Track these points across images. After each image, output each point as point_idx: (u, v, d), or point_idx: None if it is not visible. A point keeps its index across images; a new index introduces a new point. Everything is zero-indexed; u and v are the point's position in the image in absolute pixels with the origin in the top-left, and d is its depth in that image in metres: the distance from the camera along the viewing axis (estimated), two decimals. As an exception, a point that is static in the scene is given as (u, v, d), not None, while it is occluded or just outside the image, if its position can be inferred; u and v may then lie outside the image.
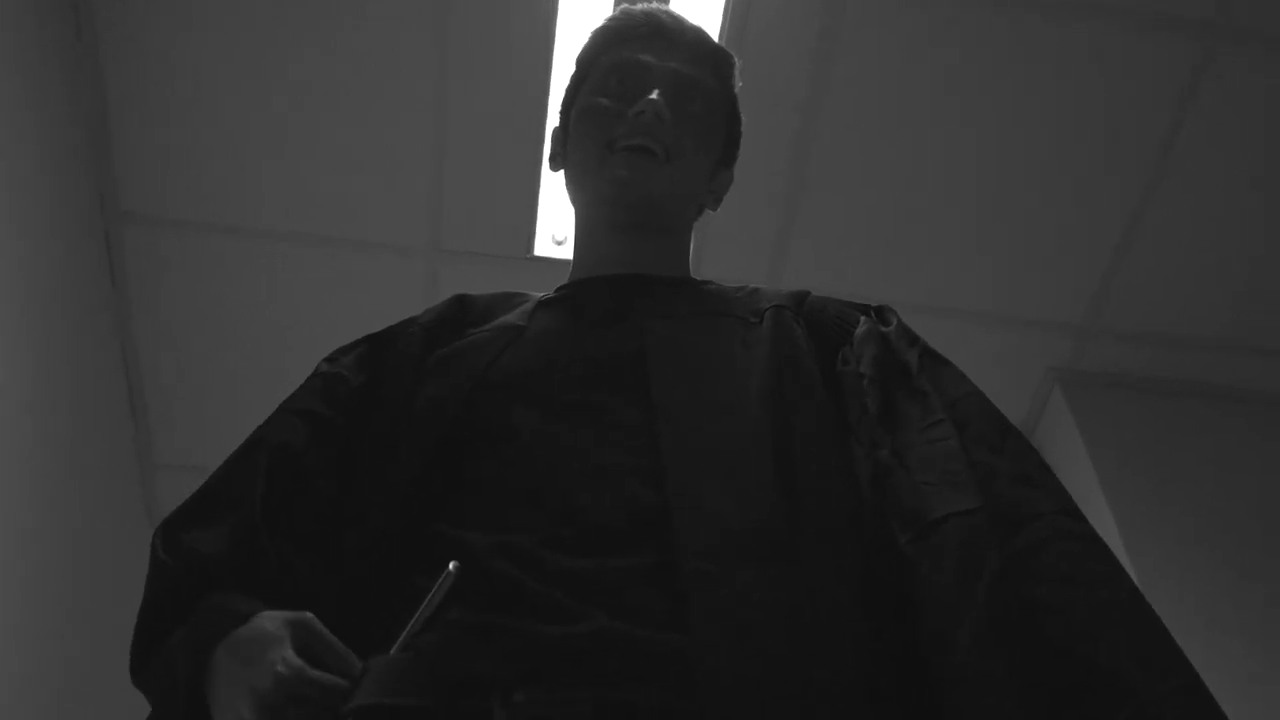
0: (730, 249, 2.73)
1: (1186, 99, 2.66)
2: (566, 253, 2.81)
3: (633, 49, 1.30)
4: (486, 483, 1.03)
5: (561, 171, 1.37)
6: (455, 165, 2.72)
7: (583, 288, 1.27)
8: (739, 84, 1.37)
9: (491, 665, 0.88)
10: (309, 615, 0.97)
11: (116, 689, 3.30)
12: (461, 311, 1.27)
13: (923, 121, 2.71)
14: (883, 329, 1.15)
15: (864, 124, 2.71)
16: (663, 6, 1.35)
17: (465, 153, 2.70)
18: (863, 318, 1.18)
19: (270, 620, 0.96)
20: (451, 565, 0.94)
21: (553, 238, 2.84)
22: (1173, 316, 3.01)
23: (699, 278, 1.33)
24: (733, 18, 2.51)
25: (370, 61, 2.58)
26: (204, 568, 1.03)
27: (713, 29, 2.51)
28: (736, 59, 1.37)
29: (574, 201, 1.34)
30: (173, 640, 1.00)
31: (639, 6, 1.35)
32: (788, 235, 2.84)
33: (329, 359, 1.23)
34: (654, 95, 1.23)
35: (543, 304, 1.25)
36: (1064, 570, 0.89)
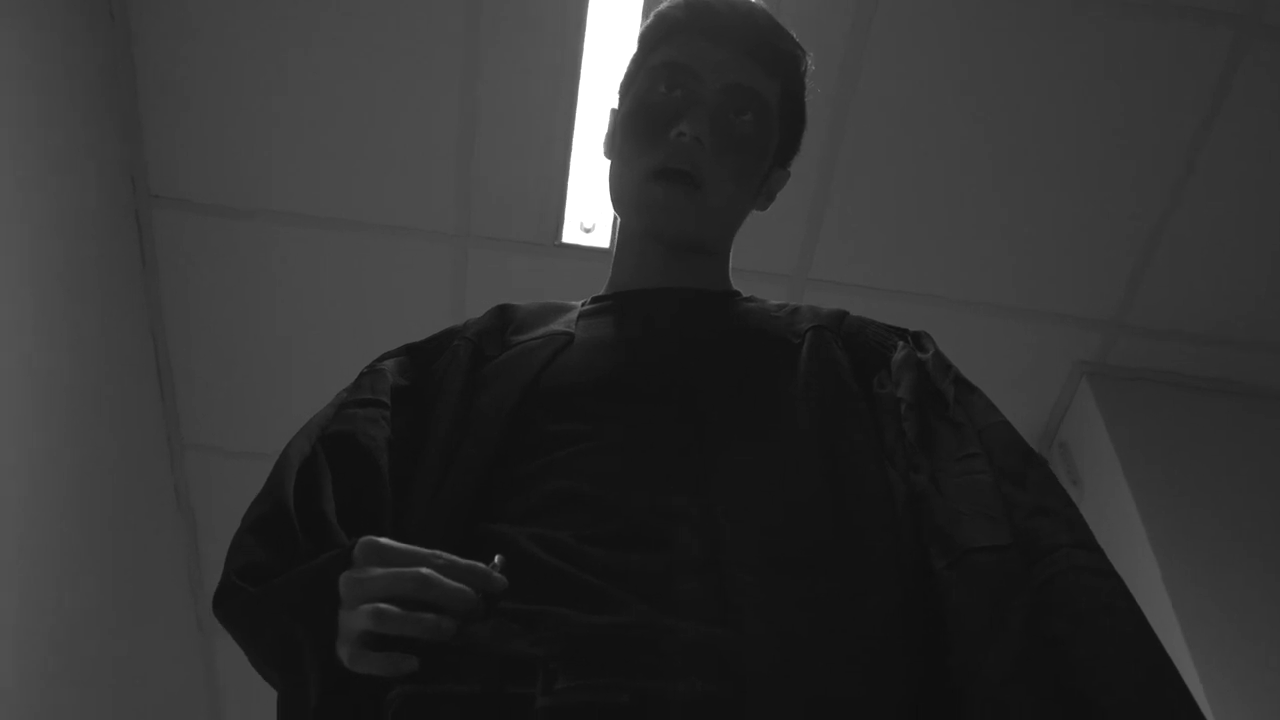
0: (759, 242, 2.71)
1: (1218, 95, 2.64)
2: (594, 240, 2.84)
3: (688, 47, 1.25)
4: (534, 484, 1.04)
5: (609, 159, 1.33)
6: (484, 151, 2.72)
7: (628, 300, 1.27)
8: (810, 71, 1.32)
9: (534, 651, 0.89)
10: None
11: (149, 666, 3.32)
12: (505, 321, 1.27)
13: (953, 114, 2.70)
14: (920, 355, 1.16)
15: (894, 116, 2.70)
16: None
17: (494, 138, 2.70)
18: (900, 342, 1.19)
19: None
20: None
21: (580, 225, 2.83)
22: (1201, 312, 2.99)
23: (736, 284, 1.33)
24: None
25: (400, 46, 2.59)
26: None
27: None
28: (808, 54, 1.31)
29: (615, 204, 1.32)
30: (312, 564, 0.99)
31: None
32: (817, 226, 2.83)
33: (370, 365, 1.23)
34: (684, 128, 1.20)
35: (587, 313, 1.25)
36: (1075, 607, 0.91)
